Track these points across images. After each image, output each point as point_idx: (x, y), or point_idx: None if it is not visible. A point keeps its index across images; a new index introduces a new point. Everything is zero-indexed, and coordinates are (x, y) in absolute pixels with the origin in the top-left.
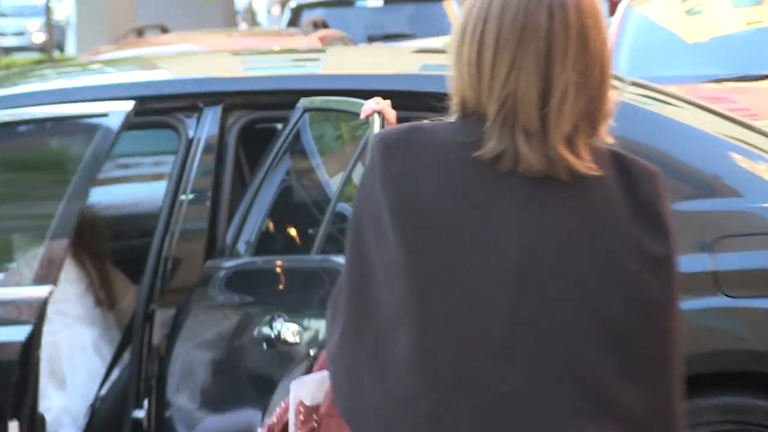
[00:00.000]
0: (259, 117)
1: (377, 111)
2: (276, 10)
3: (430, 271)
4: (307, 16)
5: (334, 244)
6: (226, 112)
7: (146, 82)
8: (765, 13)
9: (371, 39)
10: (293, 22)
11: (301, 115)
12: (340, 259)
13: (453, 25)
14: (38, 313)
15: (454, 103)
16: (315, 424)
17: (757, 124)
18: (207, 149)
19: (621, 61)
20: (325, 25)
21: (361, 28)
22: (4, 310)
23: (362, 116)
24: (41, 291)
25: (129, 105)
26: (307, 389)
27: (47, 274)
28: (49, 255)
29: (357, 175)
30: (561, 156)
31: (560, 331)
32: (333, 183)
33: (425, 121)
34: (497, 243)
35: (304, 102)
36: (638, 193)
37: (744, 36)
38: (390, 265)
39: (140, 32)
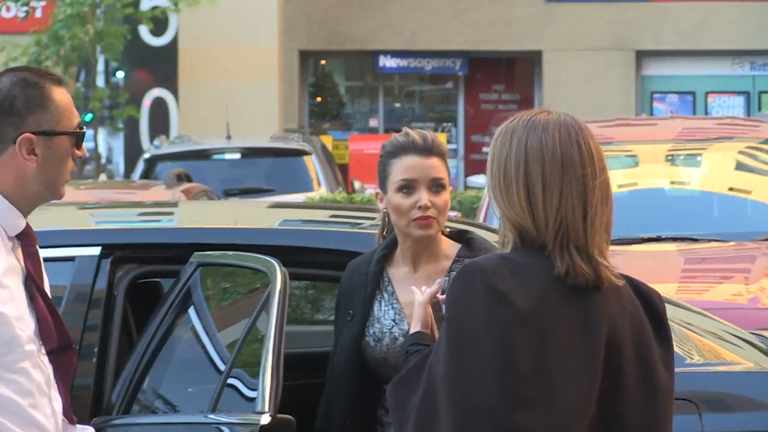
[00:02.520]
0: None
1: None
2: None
3: (534, 349)
4: (163, 168)
5: (230, 402)
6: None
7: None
8: (636, 176)
9: (228, 193)
10: (147, 173)
11: (194, 271)
12: (232, 419)
13: (314, 180)
14: None
15: (511, 238)
16: None
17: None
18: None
19: None
20: (188, 178)
21: (218, 181)
22: None
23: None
24: None
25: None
26: None
27: None
28: None
29: (261, 327)
30: (600, 265)
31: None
32: (226, 339)
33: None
34: (574, 342)
35: (197, 257)
36: (653, 308)
37: (616, 198)
38: (495, 357)
39: None
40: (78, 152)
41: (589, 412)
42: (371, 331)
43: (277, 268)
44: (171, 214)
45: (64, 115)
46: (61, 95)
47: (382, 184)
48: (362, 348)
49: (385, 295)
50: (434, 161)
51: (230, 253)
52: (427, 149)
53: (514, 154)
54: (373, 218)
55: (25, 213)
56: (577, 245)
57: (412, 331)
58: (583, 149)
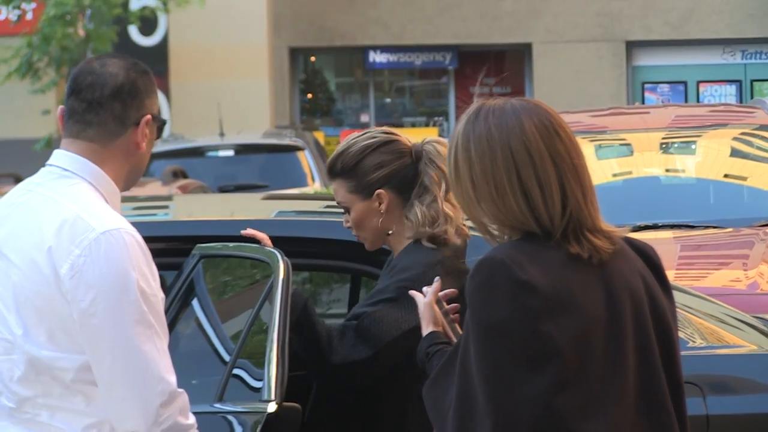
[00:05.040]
0: None
1: (261, 238)
2: None
3: (566, 331)
4: (157, 166)
5: (235, 393)
6: None
7: None
8: (630, 164)
9: (222, 190)
10: None
11: (197, 262)
12: (239, 408)
13: (307, 175)
14: None
15: (509, 233)
16: None
17: None
18: None
19: None
20: (184, 174)
21: (212, 178)
22: None
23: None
24: None
25: None
26: None
27: None
28: None
29: (265, 317)
30: (611, 234)
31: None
32: (230, 330)
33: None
34: (601, 314)
35: (199, 248)
36: (651, 262)
37: (612, 188)
38: (534, 341)
39: None
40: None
41: (624, 379)
42: None
43: (280, 258)
44: (166, 207)
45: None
46: None
47: None
48: None
49: None
50: (335, 185)
51: (232, 244)
52: (329, 173)
53: (501, 161)
54: None
55: None
56: (588, 228)
57: (424, 332)
58: (563, 136)
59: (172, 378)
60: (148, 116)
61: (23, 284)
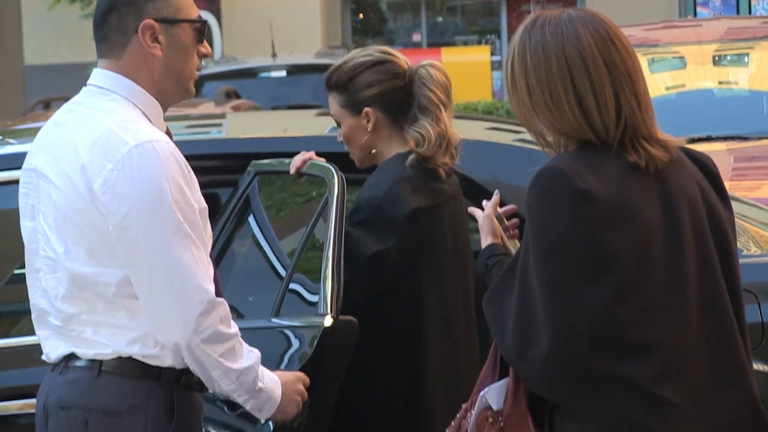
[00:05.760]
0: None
1: (307, 159)
2: None
3: (626, 239)
4: (210, 87)
5: (292, 308)
6: None
7: None
8: (683, 77)
9: (275, 110)
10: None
11: (252, 179)
12: (295, 322)
13: None
14: None
15: (564, 142)
16: (501, 425)
17: None
18: None
19: None
20: (237, 95)
21: (264, 99)
22: None
23: (292, 171)
24: None
25: None
26: (493, 396)
27: None
28: None
29: (319, 234)
30: (666, 143)
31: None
32: (286, 245)
33: (571, 152)
34: (659, 223)
35: (255, 165)
36: (709, 172)
37: (664, 101)
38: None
39: (47, 104)
40: (202, 48)
41: (685, 286)
42: None
43: (335, 173)
44: (220, 125)
45: (184, 5)
46: None
47: None
48: None
49: None
50: (330, 98)
51: (287, 160)
52: (325, 86)
53: (556, 69)
54: None
55: (163, 111)
56: (644, 136)
57: (483, 244)
58: (618, 45)
59: (211, 287)
60: (147, 20)
61: (62, 203)
